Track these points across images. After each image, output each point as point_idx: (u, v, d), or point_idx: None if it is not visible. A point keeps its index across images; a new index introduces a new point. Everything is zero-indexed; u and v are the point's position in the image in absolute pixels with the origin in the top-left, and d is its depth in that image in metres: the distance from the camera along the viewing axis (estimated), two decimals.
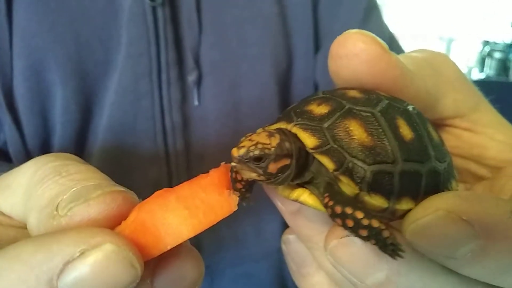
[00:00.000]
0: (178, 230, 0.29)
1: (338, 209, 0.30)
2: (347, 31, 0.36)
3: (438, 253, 0.29)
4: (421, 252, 0.30)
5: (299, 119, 0.34)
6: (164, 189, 0.31)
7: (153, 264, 0.30)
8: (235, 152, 0.31)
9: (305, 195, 0.34)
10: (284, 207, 0.38)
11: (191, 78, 0.66)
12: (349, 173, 0.31)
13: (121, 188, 0.30)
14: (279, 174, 0.32)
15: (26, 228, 0.33)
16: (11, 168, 0.38)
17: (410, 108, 0.36)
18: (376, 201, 0.32)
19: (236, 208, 0.32)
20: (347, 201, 0.31)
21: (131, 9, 0.62)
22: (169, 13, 0.64)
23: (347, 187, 0.32)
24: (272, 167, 0.32)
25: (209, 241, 0.70)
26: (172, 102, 0.65)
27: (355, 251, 0.31)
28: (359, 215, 0.29)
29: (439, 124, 0.43)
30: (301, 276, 0.40)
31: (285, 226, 0.42)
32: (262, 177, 0.32)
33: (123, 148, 0.65)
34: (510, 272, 0.30)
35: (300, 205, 0.37)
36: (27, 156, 0.64)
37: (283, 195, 0.35)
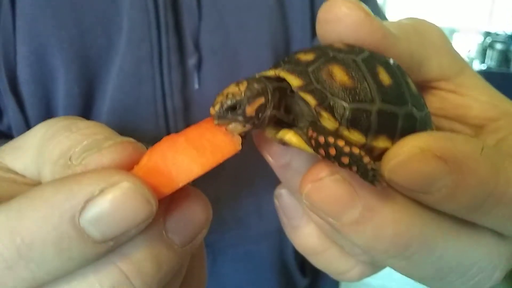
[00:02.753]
0: (189, 168, 0.32)
1: (322, 139, 0.33)
2: None
3: (415, 189, 0.32)
4: (399, 189, 0.32)
5: (286, 65, 0.37)
6: (172, 134, 0.34)
7: (164, 205, 0.32)
8: (212, 111, 0.34)
9: (289, 135, 0.36)
10: (275, 161, 0.40)
11: (192, 61, 0.67)
12: (330, 109, 0.34)
13: (132, 139, 0.33)
14: (260, 115, 0.35)
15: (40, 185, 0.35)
16: None
17: (390, 60, 0.38)
18: (355, 136, 0.34)
19: (240, 148, 0.34)
20: (329, 133, 0.33)
21: None
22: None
23: (328, 121, 0.34)
24: (250, 110, 0.34)
25: (211, 222, 0.72)
26: (173, 86, 0.66)
27: (328, 193, 0.33)
28: (341, 143, 0.32)
29: (424, 86, 0.45)
30: (292, 228, 0.42)
31: None
32: (247, 125, 0.35)
33: (125, 132, 0.65)
34: (482, 207, 0.32)
35: (290, 158, 0.40)
36: None
37: (269, 136, 0.37)
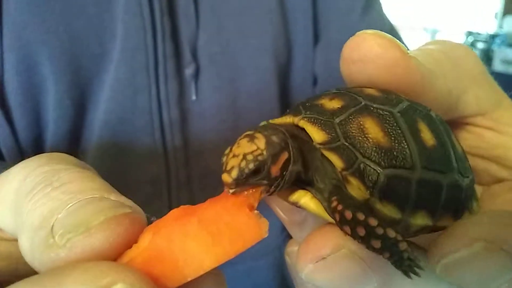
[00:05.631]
0: (200, 259, 0.25)
1: (348, 214, 0.26)
2: (361, 32, 0.33)
3: (472, 286, 0.26)
4: (451, 284, 0.27)
5: (308, 112, 0.31)
6: (183, 208, 0.27)
7: None
8: (228, 178, 0.27)
9: (306, 198, 0.30)
10: (288, 218, 0.35)
11: (189, 71, 0.64)
12: (360, 175, 0.28)
13: (126, 210, 0.26)
14: (284, 173, 0.29)
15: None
16: (3, 166, 0.34)
17: (433, 114, 0.32)
18: (389, 210, 0.28)
19: (266, 235, 0.28)
20: (359, 206, 0.27)
21: (127, 1, 0.60)
22: (166, 5, 0.62)
23: (357, 190, 0.28)
24: (275, 170, 0.28)
25: None
26: (169, 96, 0.63)
27: (335, 273, 0.28)
28: (373, 222, 0.26)
29: (459, 123, 0.41)
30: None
31: None
32: (269, 188, 0.29)
33: (120, 145, 0.63)
34: None
35: (306, 215, 0.34)
36: (20, 152, 0.61)
37: (281, 197, 0.31)
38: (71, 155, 0.31)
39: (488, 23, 5.32)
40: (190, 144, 0.66)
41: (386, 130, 0.29)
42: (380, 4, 0.78)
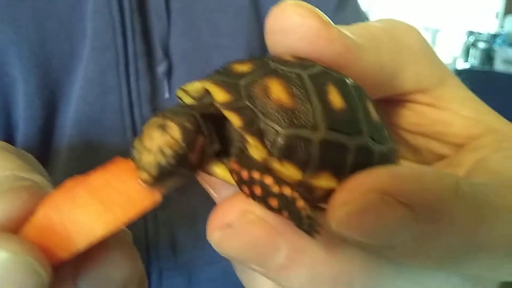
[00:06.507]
0: (90, 228, 0.25)
1: (244, 173, 0.26)
2: (283, 2, 0.32)
3: (373, 244, 0.25)
4: (353, 244, 0.26)
5: (216, 76, 0.30)
6: (75, 177, 0.27)
7: (77, 261, 0.26)
8: (146, 176, 0.26)
9: (212, 164, 0.30)
10: (217, 195, 0.34)
11: (161, 69, 0.64)
12: (259, 134, 0.27)
13: (26, 183, 0.26)
14: (203, 157, 0.28)
15: None
16: None
17: (349, 81, 0.32)
18: (288, 170, 0.27)
19: (160, 199, 0.27)
20: (256, 166, 0.27)
21: None
22: (136, 2, 0.61)
23: (255, 150, 0.27)
24: (194, 157, 0.27)
25: (185, 239, 0.68)
26: (141, 95, 0.62)
27: (243, 240, 0.27)
28: (268, 180, 0.26)
29: (398, 100, 0.40)
30: (243, 271, 0.35)
31: None
32: (190, 176, 0.29)
33: (91, 144, 0.62)
34: (456, 259, 0.26)
35: (234, 190, 0.33)
36: None
37: None
38: (43, 155, 0.31)
39: (489, 22, 5.31)
40: None
41: (290, 91, 0.29)
42: (355, 0, 0.77)
